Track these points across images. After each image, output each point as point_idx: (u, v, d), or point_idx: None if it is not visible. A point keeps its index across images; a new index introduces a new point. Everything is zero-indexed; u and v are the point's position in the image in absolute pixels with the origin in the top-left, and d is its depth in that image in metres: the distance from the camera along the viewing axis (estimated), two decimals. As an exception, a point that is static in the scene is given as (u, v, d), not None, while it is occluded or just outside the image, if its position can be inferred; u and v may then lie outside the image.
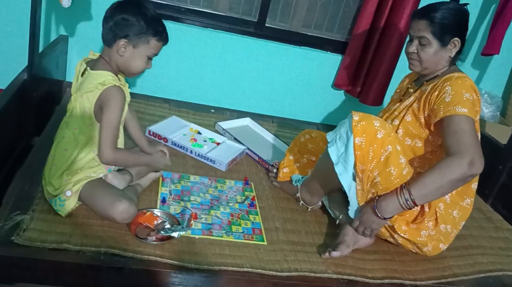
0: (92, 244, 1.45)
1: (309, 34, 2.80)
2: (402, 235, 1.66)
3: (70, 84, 2.39)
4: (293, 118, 2.89)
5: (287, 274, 1.55)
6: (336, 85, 2.80)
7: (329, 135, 1.64)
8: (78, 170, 1.55)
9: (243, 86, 2.78)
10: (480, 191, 2.38)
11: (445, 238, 1.70)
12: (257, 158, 2.22)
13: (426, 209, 1.64)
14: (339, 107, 2.95)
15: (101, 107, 1.52)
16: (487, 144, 2.42)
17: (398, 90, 1.95)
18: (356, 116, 1.56)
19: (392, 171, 1.54)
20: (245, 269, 1.52)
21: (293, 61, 2.76)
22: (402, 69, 2.69)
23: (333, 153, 1.59)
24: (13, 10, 2.37)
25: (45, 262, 1.39)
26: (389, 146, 1.53)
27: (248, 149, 2.26)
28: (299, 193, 1.90)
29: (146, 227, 1.59)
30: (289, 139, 2.40)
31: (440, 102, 1.58)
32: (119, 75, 1.61)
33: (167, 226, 1.61)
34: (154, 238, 1.54)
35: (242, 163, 2.19)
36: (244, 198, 1.91)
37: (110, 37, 1.53)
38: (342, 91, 2.89)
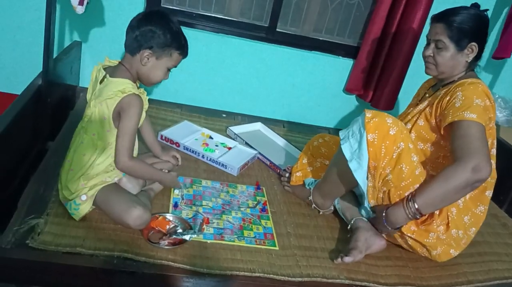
0: (105, 248, 1.47)
1: (320, 38, 2.80)
2: (410, 235, 1.65)
3: (83, 89, 2.43)
4: (305, 123, 2.88)
5: (299, 279, 1.55)
6: (347, 90, 2.79)
7: (342, 133, 1.65)
8: (94, 175, 1.56)
9: (254, 91, 2.79)
10: (495, 197, 2.33)
11: (456, 244, 1.69)
12: (268, 163, 2.22)
13: (436, 212, 1.63)
14: (350, 112, 2.94)
15: (119, 113, 1.54)
16: (501, 149, 2.38)
17: (416, 96, 1.95)
18: (368, 113, 1.57)
19: (403, 169, 1.53)
20: (257, 274, 1.52)
21: (304, 66, 2.76)
22: (414, 74, 2.68)
23: (347, 149, 1.60)
24: (28, 17, 2.41)
25: (59, 265, 1.40)
26: (402, 143, 1.53)
27: (260, 153, 2.26)
28: (311, 196, 1.89)
29: (159, 231, 1.60)
30: (300, 144, 2.40)
31: (450, 107, 1.58)
32: (136, 83, 1.63)
33: (179, 230, 1.61)
34: (166, 242, 1.55)
35: (253, 168, 2.19)
36: (255, 202, 1.91)
37: (134, 46, 1.55)
38: (354, 95, 2.88)
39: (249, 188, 2.00)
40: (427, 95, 1.81)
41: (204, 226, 1.65)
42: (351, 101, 2.90)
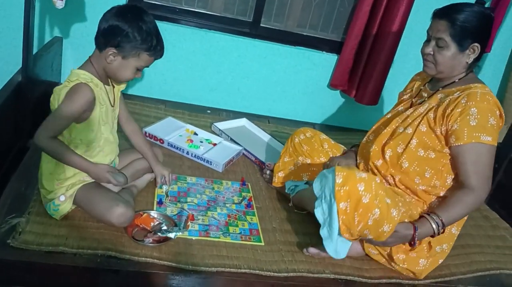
0: (89, 246, 1.45)
1: (304, 34, 2.80)
2: (401, 265, 1.63)
3: (65, 86, 2.37)
4: (289, 118, 2.88)
5: (285, 274, 1.55)
6: (332, 85, 2.80)
7: (316, 189, 1.54)
8: (70, 175, 1.53)
9: (238, 86, 2.78)
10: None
11: (441, 255, 1.68)
12: (253, 158, 2.22)
13: None
14: (335, 107, 2.94)
15: None
16: (483, 143, 2.43)
17: (408, 90, 1.84)
18: (339, 178, 1.44)
19: (385, 229, 1.46)
20: (243, 270, 1.52)
21: (288, 61, 2.76)
22: (398, 69, 2.70)
23: (319, 214, 1.53)
24: (7, 11, 2.35)
25: (42, 265, 1.38)
26: (377, 210, 1.43)
27: (245, 149, 2.26)
28: (291, 203, 1.89)
29: (143, 228, 1.58)
30: (285, 139, 2.37)
31: (463, 124, 1.50)
32: (110, 81, 1.58)
33: (164, 227, 1.60)
34: (151, 239, 1.54)
35: (238, 164, 2.19)
36: (241, 198, 1.90)
37: (101, 41, 1.49)
38: (338, 91, 2.89)
39: (234, 184, 2.00)
40: (424, 94, 1.71)
41: (189, 223, 1.64)
42: (336, 96, 2.91)
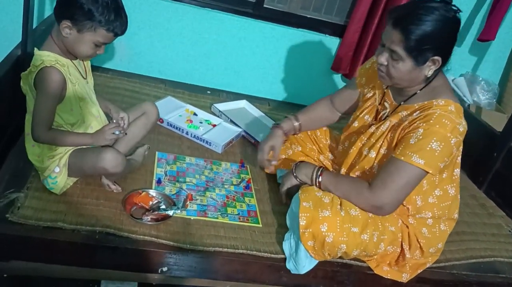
0: (87, 223, 1.45)
1: (308, 16, 2.76)
2: (384, 276, 1.62)
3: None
4: (290, 101, 2.87)
5: (282, 256, 1.56)
6: (333, 69, 2.78)
7: (288, 221, 1.58)
8: (55, 149, 1.52)
9: (239, 67, 2.76)
10: (474, 178, 2.40)
11: (436, 253, 1.66)
12: (253, 141, 2.21)
13: (408, 255, 1.57)
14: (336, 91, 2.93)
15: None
16: (483, 131, 2.42)
17: (371, 87, 1.68)
18: (302, 220, 1.41)
19: (354, 253, 1.48)
20: (240, 251, 1.53)
21: (291, 43, 2.73)
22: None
23: (286, 248, 1.56)
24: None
25: (40, 240, 1.39)
26: (343, 245, 1.42)
27: (244, 131, 2.25)
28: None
29: (142, 207, 1.59)
30: (285, 122, 2.39)
31: (403, 140, 1.41)
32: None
33: (163, 206, 1.60)
34: (149, 218, 1.54)
35: (238, 145, 2.18)
36: (239, 180, 1.90)
37: (57, 13, 1.43)
38: (340, 75, 2.87)
39: (233, 166, 2.00)
40: (387, 104, 1.59)
41: (188, 203, 1.64)
42: (337, 80, 2.90)
